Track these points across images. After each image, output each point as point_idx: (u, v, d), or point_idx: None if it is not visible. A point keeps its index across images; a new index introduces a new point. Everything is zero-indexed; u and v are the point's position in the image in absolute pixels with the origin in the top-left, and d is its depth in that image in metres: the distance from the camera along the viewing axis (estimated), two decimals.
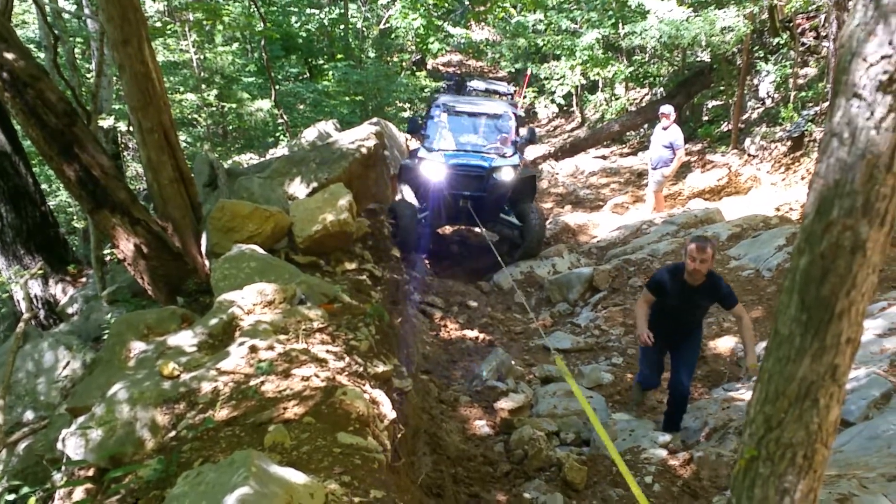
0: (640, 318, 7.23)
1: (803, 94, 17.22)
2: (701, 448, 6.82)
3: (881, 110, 1.79)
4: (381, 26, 25.52)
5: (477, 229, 13.84)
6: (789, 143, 16.64)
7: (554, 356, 6.27)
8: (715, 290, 6.96)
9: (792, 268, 2.03)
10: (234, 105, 19.41)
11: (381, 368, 5.29)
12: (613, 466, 6.73)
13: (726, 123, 19.62)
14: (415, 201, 12.59)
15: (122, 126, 14.48)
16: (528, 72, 22.24)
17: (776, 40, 19.02)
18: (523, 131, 14.37)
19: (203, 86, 19.30)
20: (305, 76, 24.05)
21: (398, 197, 13.34)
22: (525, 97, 25.50)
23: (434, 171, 12.14)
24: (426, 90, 24.14)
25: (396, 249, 9.32)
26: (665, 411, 7.51)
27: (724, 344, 9.07)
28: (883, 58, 1.75)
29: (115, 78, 14.07)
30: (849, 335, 1.97)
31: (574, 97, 26.45)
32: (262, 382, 4.55)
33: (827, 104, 15.67)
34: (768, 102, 19.16)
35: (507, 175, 12.34)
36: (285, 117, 19.13)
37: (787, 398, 2.08)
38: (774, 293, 9.86)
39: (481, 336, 10.06)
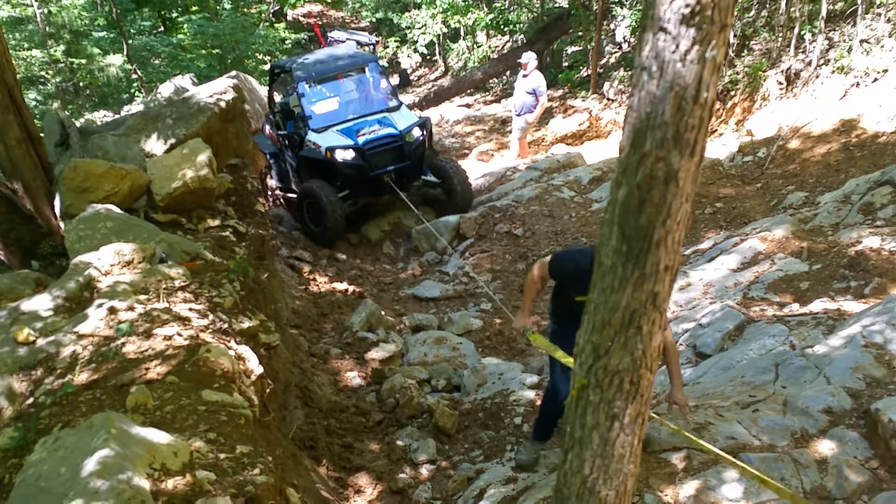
0: (526, 300, 5.70)
1: None
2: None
3: (685, 43, 1.85)
4: None
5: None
6: None
7: (526, 333, 5.82)
8: None
9: (611, 200, 2.09)
10: (84, 61, 18.54)
11: (246, 324, 5.23)
12: (481, 412, 6.88)
13: (585, 69, 19.99)
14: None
15: None
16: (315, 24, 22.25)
17: None
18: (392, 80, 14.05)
19: (50, 41, 18.40)
20: (159, 30, 23.21)
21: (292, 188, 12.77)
22: (388, 47, 25.34)
23: (348, 156, 11.46)
24: (287, 42, 23.67)
25: (261, 205, 9.16)
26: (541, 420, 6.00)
27: None
28: None
29: None
30: (666, 263, 2.05)
31: (437, 46, 26.40)
32: (123, 344, 4.44)
33: None
34: (625, 47, 19.61)
35: (418, 133, 11.91)
36: (139, 73, 18.48)
37: (612, 327, 2.16)
38: None
39: (351, 288, 10.05)
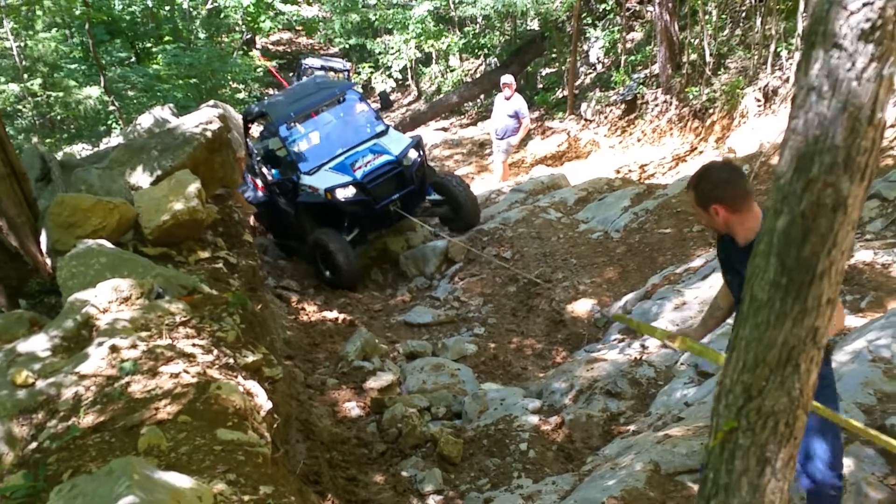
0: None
1: (632, 57, 17.79)
2: (570, 411, 6.95)
3: (863, 60, 1.76)
4: (209, 6, 24.79)
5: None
6: (623, 106, 17.20)
7: (612, 314, 5.20)
8: None
9: (767, 230, 1.97)
10: (60, 94, 18.33)
11: (250, 358, 5.12)
12: (485, 440, 6.79)
13: (561, 90, 20.09)
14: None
15: None
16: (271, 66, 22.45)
17: (602, 6, 19.57)
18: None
19: (25, 75, 18.22)
20: (132, 60, 23.08)
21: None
22: (359, 73, 25.34)
23: (349, 193, 10.90)
24: (259, 70, 23.63)
25: (248, 235, 9.02)
26: None
27: (582, 307, 9.26)
28: (865, 5, 1.72)
29: None
30: (829, 296, 1.95)
31: (409, 71, 26.45)
32: (128, 383, 4.31)
33: (656, 66, 16.23)
34: (599, 67, 19.75)
35: (415, 155, 11.38)
36: (117, 104, 18.34)
37: (767, 365, 2.04)
38: (625, 253, 10.15)
39: (341, 316, 9.94)
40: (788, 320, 1.97)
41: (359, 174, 10.99)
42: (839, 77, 1.79)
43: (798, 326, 1.97)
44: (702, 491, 2.33)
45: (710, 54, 14.99)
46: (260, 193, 12.42)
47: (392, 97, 28.20)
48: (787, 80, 13.19)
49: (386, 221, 11.44)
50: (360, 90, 18.53)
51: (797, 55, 13.09)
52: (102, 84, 17.98)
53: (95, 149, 14.12)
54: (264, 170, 12.14)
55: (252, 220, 12.41)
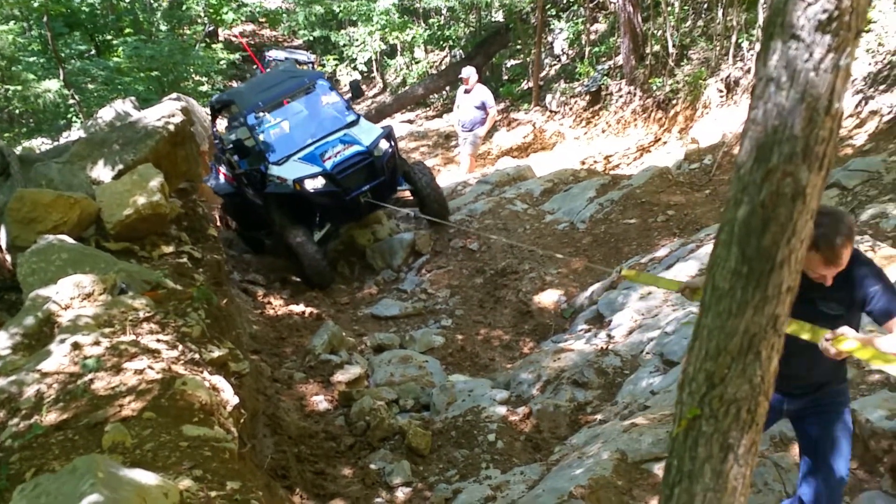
0: None
1: (596, 49, 17.85)
2: (537, 401, 6.97)
3: (820, 51, 1.77)
4: None
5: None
6: (587, 97, 17.25)
7: (623, 273, 5.31)
8: (851, 281, 3.42)
9: (728, 220, 1.99)
10: (18, 87, 18.02)
11: (216, 353, 5.08)
12: (453, 431, 6.80)
13: (526, 81, 20.14)
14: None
15: None
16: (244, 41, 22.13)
17: None
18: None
19: None
20: (92, 53, 22.78)
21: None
22: (324, 65, 25.23)
23: (318, 184, 10.56)
24: (222, 62, 23.45)
25: (213, 229, 8.92)
26: None
27: (548, 297, 9.29)
28: None
29: None
30: (789, 283, 1.97)
31: (374, 63, 26.38)
32: (91, 380, 4.26)
33: (619, 58, 16.30)
34: (564, 59, 19.81)
35: (385, 146, 11.01)
36: (77, 97, 18.10)
37: (728, 353, 2.06)
38: (590, 244, 10.19)
39: (308, 310, 9.88)
40: (749, 309, 1.99)
41: (328, 165, 10.64)
42: (797, 68, 1.80)
43: (759, 314, 1.99)
44: (666, 478, 2.34)
45: (673, 45, 15.08)
46: (223, 180, 12.18)
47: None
48: (748, 71, 13.28)
49: (356, 213, 11.19)
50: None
51: (758, 46, 13.16)
52: (62, 77, 17.72)
53: (55, 143, 13.94)
54: (232, 159, 11.85)
55: (217, 212, 12.32)
